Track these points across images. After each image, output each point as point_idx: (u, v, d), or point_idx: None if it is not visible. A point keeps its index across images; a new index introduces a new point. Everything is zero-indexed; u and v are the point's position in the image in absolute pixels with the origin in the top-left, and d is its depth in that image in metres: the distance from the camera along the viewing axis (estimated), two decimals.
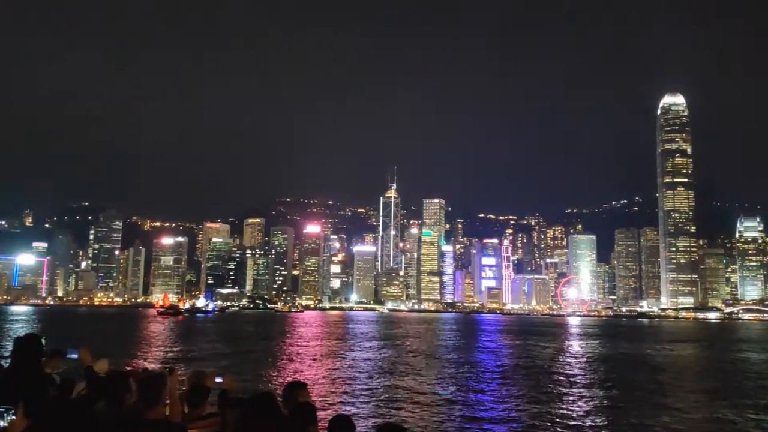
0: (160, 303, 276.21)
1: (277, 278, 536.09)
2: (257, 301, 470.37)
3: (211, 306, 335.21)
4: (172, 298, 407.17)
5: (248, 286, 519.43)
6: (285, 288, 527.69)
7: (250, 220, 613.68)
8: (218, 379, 8.22)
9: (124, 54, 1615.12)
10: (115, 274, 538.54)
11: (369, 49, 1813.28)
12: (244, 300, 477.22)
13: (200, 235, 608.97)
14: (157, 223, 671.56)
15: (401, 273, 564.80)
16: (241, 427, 4.17)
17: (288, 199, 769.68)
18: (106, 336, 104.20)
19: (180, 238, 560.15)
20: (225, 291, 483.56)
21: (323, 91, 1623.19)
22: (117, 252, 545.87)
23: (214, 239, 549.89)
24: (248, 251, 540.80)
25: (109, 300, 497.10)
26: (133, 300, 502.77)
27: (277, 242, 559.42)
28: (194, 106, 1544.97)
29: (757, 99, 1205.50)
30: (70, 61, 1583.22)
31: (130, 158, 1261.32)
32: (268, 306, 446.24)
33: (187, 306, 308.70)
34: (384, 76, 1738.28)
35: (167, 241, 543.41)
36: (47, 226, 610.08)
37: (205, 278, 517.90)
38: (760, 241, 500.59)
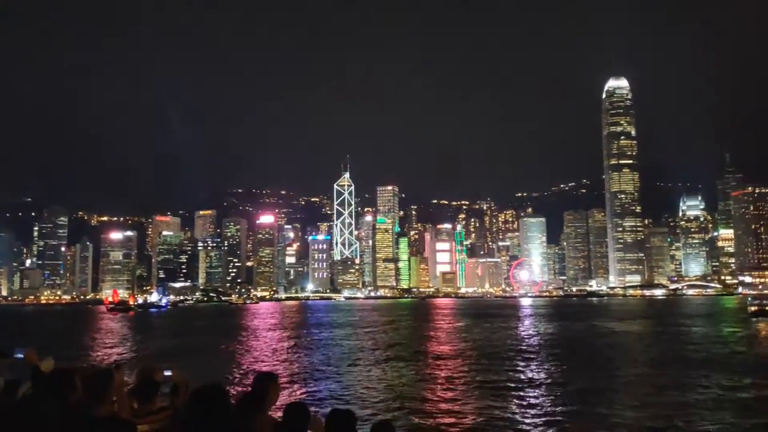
0: (110, 299, 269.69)
1: (230, 270, 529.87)
2: (211, 294, 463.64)
3: (164, 301, 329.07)
4: (123, 293, 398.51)
5: (201, 280, 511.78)
6: (239, 280, 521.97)
7: (201, 213, 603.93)
8: (167, 373, 8.08)
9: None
10: (62, 271, 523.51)
11: (318, 35, 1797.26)
12: (197, 293, 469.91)
13: (150, 229, 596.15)
14: (105, 218, 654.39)
15: (357, 261, 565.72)
16: (184, 422, 4.06)
17: (240, 190, 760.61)
18: (54, 335, 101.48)
19: (129, 233, 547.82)
20: (177, 285, 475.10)
21: (271, 79, 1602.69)
22: (63, 248, 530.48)
23: (165, 232, 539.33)
24: (200, 244, 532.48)
25: (57, 298, 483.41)
26: (81, 297, 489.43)
27: (229, 234, 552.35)
28: (142, 99, 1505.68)
29: (697, 81, 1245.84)
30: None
31: (75, 152, 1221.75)
32: (223, 299, 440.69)
33: (139, 301, 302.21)
34: (333, 65, 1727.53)
35: (116, 235, 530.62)
36: None
37: (157, 273, 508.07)
38: (701, 219, 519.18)
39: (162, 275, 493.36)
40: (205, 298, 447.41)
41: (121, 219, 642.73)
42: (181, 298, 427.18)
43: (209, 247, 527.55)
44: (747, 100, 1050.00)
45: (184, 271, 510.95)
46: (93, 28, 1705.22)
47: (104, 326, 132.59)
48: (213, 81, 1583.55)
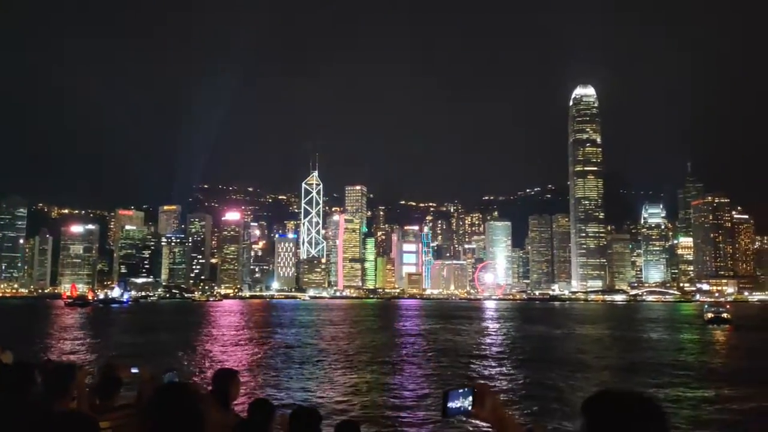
0: (68, 294, 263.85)
1: (194, 267, 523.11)
2: (174, 291, 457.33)
3: (125, 296, 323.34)
4: (83, 288, 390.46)
5: (164, 276, 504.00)
6: (203, 277, 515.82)
7: (166, 207, 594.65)
8: (134, 370, 7.86)
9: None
10: (19, 264, 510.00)
11: (290, 31, 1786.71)
12: (159, 290, 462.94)
13: (112, 223, 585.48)
14: (66, 210, 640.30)
15: (323, 260, 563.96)
16: (147, 420, 4.02)
17: (205, 186, 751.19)
18: (9, 329, 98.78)
19: (90, 226, 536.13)
20: (139, 281, 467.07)
21: (243, 74, 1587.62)
22: (21, 240, 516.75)
23: (128, 227, 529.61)
24: (164, 239, 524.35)
25: (14, 291, 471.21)
26: (39, 291, 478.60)
27: (194, 230, 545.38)
28: (107, 87, 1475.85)
29: (662, 92, 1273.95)
30: None
31: (37, 143, 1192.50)
32: (185, 295, 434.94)
33: (100, 296, 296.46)
34: (306, 65, 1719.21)
35: (76, 228, 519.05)
36: None
37: (118, 268, 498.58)
38: (662, 227, 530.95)
39: (123, 270, 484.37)
40: (168, 295, 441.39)
41: (83, 212, 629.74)
42: (143, 294, 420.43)
43: (173, 243, 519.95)
44: (709, 112, 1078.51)
45: (147, 266, 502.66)
46: (61, 15, 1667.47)
47: (60, 321, 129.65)
48: (181, 74, 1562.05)
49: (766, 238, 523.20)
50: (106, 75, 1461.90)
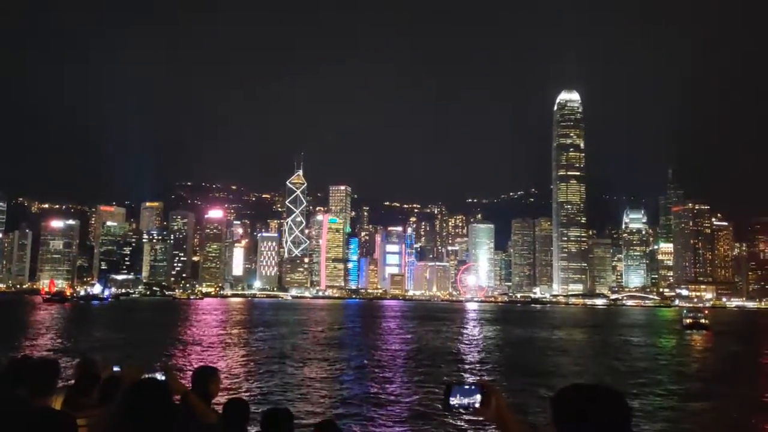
0: (46, 289, 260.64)
1: (176, 264, 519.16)
2: (154, 288, 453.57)
3: (106, 293, 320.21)
4: (62, 284, 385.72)
5: (145, 273, 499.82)
6: (184, 275, 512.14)
7: (148, 204, 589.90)
8: (116, 368, 7.67)
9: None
10: None
11: (275, 30, 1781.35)
12: (140, 287, 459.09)
13: (93, 219, 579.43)
14: (46, 205, 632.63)
15: (306, 260, 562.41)
16: (119, 418, 3.94)
17: (189, 183, 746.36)
18: None
19: (71, 221, 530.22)
20: (120, 277, 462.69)
21: (228, 72, 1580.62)
22: (0, 235, 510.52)
23: (109, 223, 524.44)
24: (145, 236, 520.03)
25: None
26: (18, 286, 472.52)
27: (176, 227, 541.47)
28: (90, 78, 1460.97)
29: (646, 99, 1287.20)
30: None
31: (15, 134, 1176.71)
32: (166, 293, 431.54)
33: (81, 293, 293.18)
34: (292, 63, 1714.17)
35: (57, 224, 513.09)
36: None
37: (99, 264, 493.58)
38: (643, 233, 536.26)
39: (104, 267, 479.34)
40: (149, 292, 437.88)
41: (64, 207, 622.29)
42: (124, 291, 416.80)
43: (155, 240, 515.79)
44: (692, 120, 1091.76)
45: (128, 263, 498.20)
46: (46, 15, 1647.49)
47: (38, 317, 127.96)
48: (167, 70, 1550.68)
49: (744, 245, 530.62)
50: (91, 68, 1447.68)
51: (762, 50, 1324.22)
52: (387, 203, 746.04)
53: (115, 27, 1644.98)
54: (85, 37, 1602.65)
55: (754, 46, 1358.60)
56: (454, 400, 3.42)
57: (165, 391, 4.19)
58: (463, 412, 3.43)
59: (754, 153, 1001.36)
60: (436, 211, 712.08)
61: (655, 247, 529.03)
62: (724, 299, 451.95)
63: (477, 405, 3.35)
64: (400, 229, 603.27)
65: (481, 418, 3.39)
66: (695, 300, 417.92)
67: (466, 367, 55.72)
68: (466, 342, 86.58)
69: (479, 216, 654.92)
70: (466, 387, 3.44)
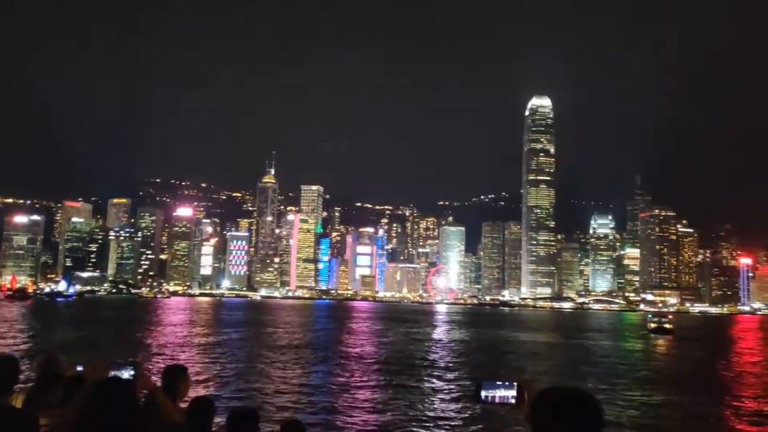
0: (8, 286, 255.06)
1: (143, 262, 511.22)
2: (121, 286, 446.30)
3: (71, 290, 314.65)
4: (25, 280, 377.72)
5: (111, 270, 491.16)
6: (151, 273, 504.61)
7: (115, 200, 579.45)
8: (79, 368, 7.37)
9: None
10: None
11: (247, 29, 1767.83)
12: (106, 284, 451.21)
13: (59, 215, 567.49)
14: (10, 200, 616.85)
15: (276, 260, 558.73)
16: (81, 418, 3.80)
17: (157, 180, 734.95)
18: None
19: (35, 217, 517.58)
20: (85, 275, 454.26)
21: (198, 69, 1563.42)
22: None
23: (74, 219, 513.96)
24: (112, 233, 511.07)
25: None
26: None
27: (144, 224, 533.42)
28: (56, 74, 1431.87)
29: (617, 106, 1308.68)
30: None
31: None
32: (133, 291, 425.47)
33: (46, 290, 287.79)
34: (264, 63, 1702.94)
35: (20, 219, 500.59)
36: None
37: (63, 261, 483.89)
38: (610, 238, 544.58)
39: (69, 264, 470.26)
40: (114, 290, 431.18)
41: (28, 202, 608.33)
42: (89, 288, 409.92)
43: (121, 237, 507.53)
44: (661, 128, 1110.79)
45: (93, 260, 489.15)
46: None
47: (1, 315, 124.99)
48: (136, 64, 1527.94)
49: (708, 251, 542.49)
50: (57, 62, 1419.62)
51: (731, 59, 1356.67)
52: (359, 204, 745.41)
53: (84, 23, 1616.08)
54: (48, 34, 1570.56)
55: (725, 54, 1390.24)
56: (485, 393, 3.61)
57: (129, 390, 4.06)
58: (496, 406, 3.61)
59: (719, 161, 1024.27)
60: (407, 213, 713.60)
61: (622, 252, 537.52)
62: (687, 304, 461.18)
63: (512, 401, 3.53)
64: (371, 230, 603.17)
65: (517, 415, 3.55)
66: (660, 305, 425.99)
67: (435, 373, 55.89)
68: (436, 345, 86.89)
69: (450, 219, 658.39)
70: (500, 383, 3.61)
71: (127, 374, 6.71)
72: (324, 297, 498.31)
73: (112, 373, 6.60)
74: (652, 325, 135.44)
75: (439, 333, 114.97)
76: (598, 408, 3.16)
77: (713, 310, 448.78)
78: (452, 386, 44.67)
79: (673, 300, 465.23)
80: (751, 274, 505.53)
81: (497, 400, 3.63)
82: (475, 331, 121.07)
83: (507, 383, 3.59)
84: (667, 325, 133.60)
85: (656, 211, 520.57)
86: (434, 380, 47.75)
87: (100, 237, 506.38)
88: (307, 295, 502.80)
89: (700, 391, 44.19)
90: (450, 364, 59.43)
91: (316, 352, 67.44)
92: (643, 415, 36.03)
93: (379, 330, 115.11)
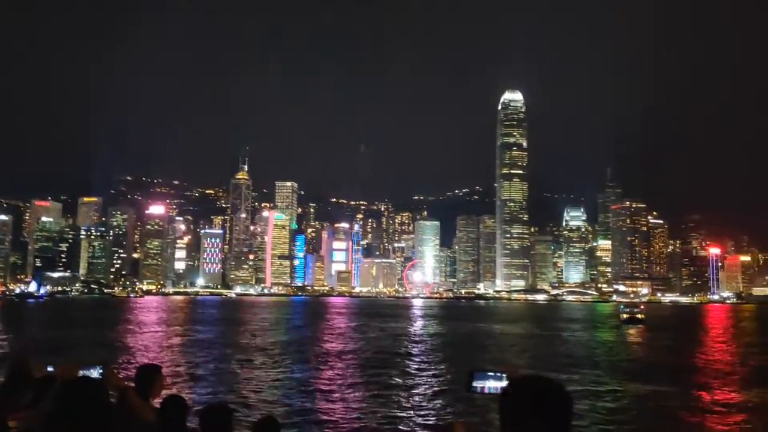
0: None
1: (115, 262, 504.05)
2: (92, 286, 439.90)
3: (42, 291, 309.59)
4: None
5: (83, 270, 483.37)
6: (124, 272, 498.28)
7: (86, 199, 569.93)
8: (50, 368, 7.32)
9: None
10: None
11: (220, 27, 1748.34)
12: (77, 285, 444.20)
13: (28, 214, 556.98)
14: None
15: (251, 257, 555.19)
16: (51, 419, 3.77)
17: (129, 178, 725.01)
18: None
19: (3, 216, 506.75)
20: (56, 275, 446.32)
21: (170, 64, 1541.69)
22: None
23: (44, 218, 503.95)
24: (83, 232, 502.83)
25: None
26: None
27: (115, 223, 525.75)
28: (27, 69, 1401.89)
29: (588, 100, 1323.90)
30: None
31: None
32: (105, 291, 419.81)
33: (16, 291, 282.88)
34: (239, 61, 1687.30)
35: None
36: None
37: (33, 261, 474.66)
38: (583, 230, 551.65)
39: (39, 264, 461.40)
40: (86, 290, 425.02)
41: None
42: (60, 289, 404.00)
43: (92, 236, 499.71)
44: (630, 121, 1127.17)
45: (64, 260, 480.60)
46: None
47: None
48: (103, 60, 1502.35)
49: (678, 242, 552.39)
50: (27, 52, 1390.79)
51: (706, 52, 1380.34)
52: (333, 200, 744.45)
53: (56, 11, 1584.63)
54: (18, 30, 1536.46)
55: (699, 47, 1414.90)
56: (478, 384, 3.60)
57: (100, 389, 4.06)
58: (487, 396, 3.61)
59: (688, 153, 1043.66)
60: (382, 208, 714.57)
61: (594, 244, 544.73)
62: (659, 294, 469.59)
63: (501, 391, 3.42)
64: (346, 225, 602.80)
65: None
66: (632, 295, 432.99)
67: (413, 368, 56.10)
68: (413, 340, 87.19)
69: (425, 213, 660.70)
70: (490, 373, 3.61)
71: (95, 373, 6.60)
72: (300, 293, 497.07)
73: (82, 372, 6.43)
74: (625, 316, 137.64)
75: (417, 327, 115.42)
76: (568, 400, 3.15)
77: (684, 299, 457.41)
78: (431, 381, 44.91)
79: (644, 290, 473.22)
80: (720, 264, 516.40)
81: (486, 391, 3.64)
82: (451, 325, 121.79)
83: (498, 374, 3.60)
84: (638, 315, 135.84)
85: (627, 203, 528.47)
86: (413, 377, 47.95)
87: (70, 236, 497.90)
88: (282, 292, 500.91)
89: (670, 381, 45.01)
90: (427, 359, 59.70)
91: (293, 349, 67.25)
92: (613, 405, 36.59)
93: (356, 326, 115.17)
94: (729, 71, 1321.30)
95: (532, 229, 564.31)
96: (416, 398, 37.65)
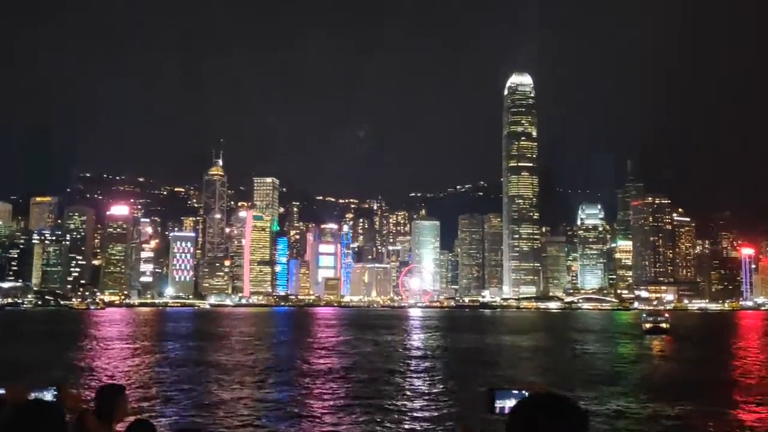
0: None
1: (72, 269, 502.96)
2: (47, 298, 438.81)
3: None
4: None
5: (36, 280, 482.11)
6: (83, 281, 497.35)
7: (39, 199, 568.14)
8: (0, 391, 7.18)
9: None
10: None
11: (192, 10, 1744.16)
12: (29, 296, 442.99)
13: None
14: None
15: (227, 263, 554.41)
16: None
17: (88, 175, 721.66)
18: None
19: None
20: (6, 285, 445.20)
21: (134, 51, 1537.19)
22: None
23: None
24: (36, 236, 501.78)
25: None
26: None
27: (73, 226, 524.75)
28: None
29: (604, 86, 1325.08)
30: None
31: None
32: (62, 302, 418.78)
33: None
34: (215, 41, 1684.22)
35: None
36: None
37: None
38: (600, 229, 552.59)
39: None
40: (41, 302, 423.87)
41: None
42: (10, 300, 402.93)
43: (47, 241, 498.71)
44: (651, 110, 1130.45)
45: (15, 268, 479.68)
46: None
47: None
48: (58, 48, 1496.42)
49: (707, 242, 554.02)
50: None
51: (729, 43, 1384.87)
52: (320, 198, 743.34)
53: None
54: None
55: (723, 37, 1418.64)
56: (499, 403, 3.73)
57: (54, 412, 4.10)
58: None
59: (718, 145, 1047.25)
60: (375, 207, 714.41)
61: (613, 245, 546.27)
62: (685, 301, 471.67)
63: None
64: (334, 226, 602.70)
65: None
66: (655, 302, 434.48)
67: (412, 388, 56.18)
68: (411, 355, 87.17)
69: (423, 212, 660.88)
70: (514, 392, 3.74)
71: (49, 395, 6.58)
72: (282, 303, 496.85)
73: (33, 395, 6.40)
74: (647, 325, 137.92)
75: (415, 341, 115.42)
76: (584, 419, 3.23)
77: (713, 306, 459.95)
78: (434, 405, 44.90)
79: (669, 296, 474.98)
80: (753, 266, 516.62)
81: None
82: (454, 337, 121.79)
83: (521, 392, 3.69)
84: (663, 325, 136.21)
85: (649, 199, 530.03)
86: (412, 399, 47.94)
87: (21, 241, 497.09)
88: (263, 302, 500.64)
89: (699, 399, 45.08)
90: (428, 378, 59.70)
91: (276, 367, 67.15)
92: (636, 428, 36.66)
93: (346, 340, 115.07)
94: None
95: (543, 229, 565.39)
96: (417, 425, 37.63)
